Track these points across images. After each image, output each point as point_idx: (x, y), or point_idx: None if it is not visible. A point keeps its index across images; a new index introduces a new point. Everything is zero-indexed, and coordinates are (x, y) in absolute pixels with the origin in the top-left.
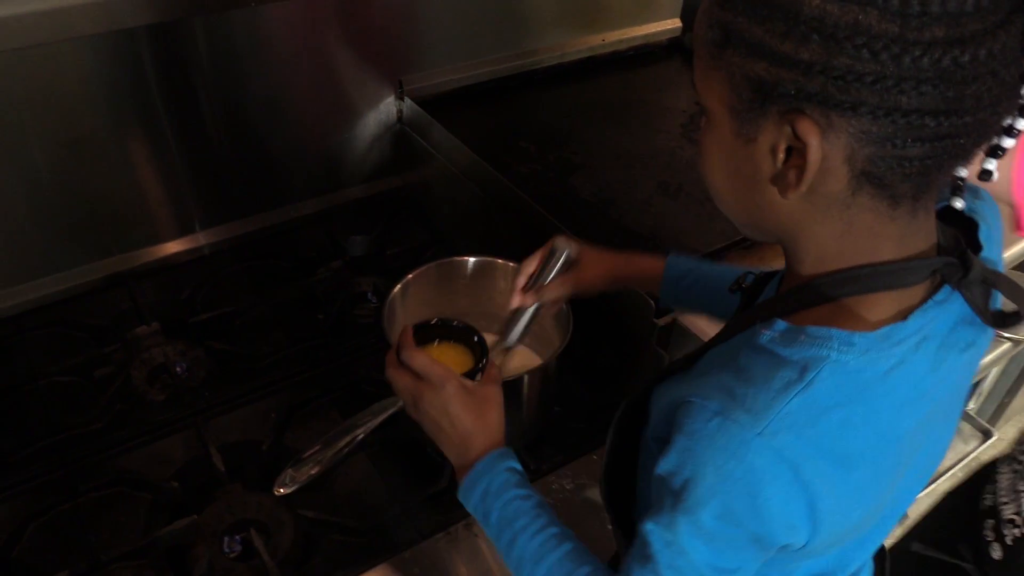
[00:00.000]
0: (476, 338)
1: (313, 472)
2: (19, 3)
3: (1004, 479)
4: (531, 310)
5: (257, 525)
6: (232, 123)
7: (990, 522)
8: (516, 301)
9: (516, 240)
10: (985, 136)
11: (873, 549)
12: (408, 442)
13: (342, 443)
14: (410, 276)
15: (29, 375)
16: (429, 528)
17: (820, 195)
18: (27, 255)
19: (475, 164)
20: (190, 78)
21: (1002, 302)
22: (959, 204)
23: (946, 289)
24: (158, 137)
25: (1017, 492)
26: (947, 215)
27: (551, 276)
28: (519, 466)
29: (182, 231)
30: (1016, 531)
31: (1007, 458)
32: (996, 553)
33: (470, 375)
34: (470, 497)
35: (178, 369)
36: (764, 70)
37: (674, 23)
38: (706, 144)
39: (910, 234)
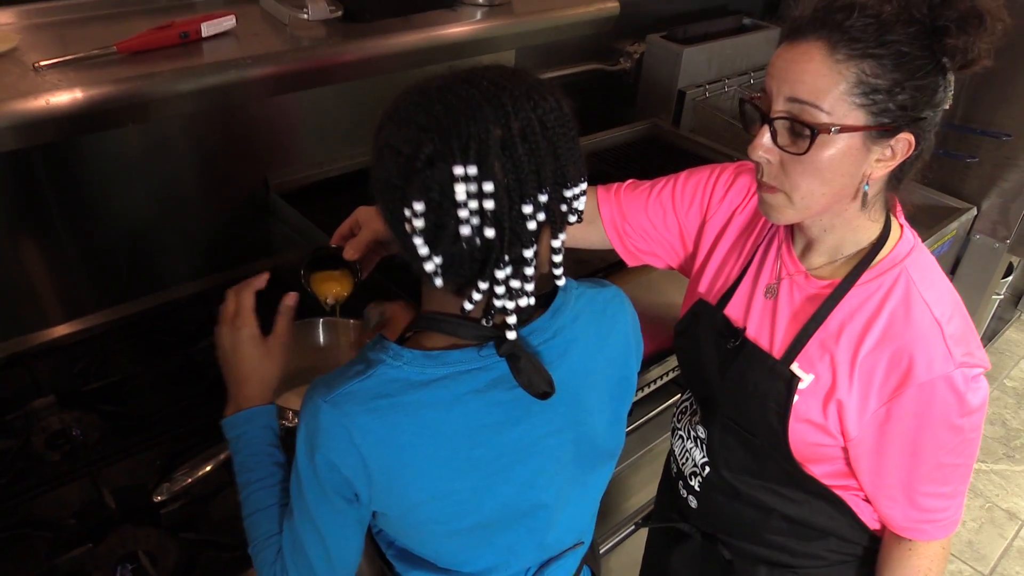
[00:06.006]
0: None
1: (188, 482)
2: None
3: (675, 446)
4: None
5: (146, 552)
6: (119, 219)
7: (680, 483)
8: None
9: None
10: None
11: (534, 555)
12: None
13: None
14: None
15: None
16: None
17: None
18: None
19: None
20: (80, 183)
21: None
22: (509, 305)
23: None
24: (50, 234)
25: (684, 451)
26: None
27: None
28: (276, 425)
29: (76, 313)
30: (698, 479)
31: (671, 429)
32: (693, 503)
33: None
34: (229, 433)
35: (75, 432)
36: None
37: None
38: None
39: (476, 303)
